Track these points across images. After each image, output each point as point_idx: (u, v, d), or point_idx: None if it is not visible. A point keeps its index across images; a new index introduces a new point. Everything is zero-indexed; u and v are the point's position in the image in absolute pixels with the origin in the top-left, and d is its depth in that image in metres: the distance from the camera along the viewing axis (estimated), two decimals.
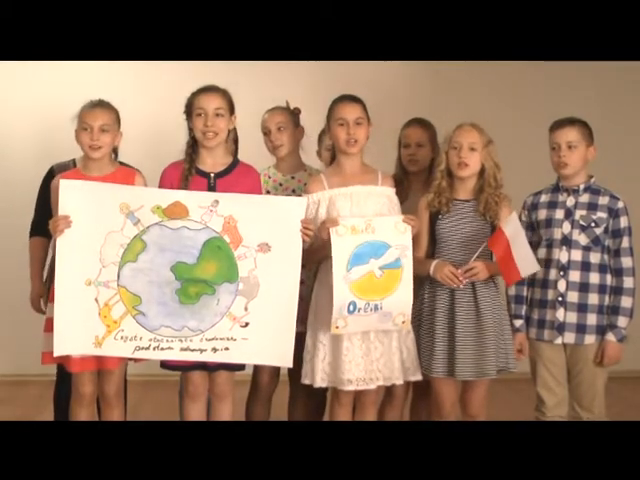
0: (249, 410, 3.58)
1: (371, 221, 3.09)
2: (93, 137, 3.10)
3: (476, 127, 3.23)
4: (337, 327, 3.07)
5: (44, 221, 3.54)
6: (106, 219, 3.02)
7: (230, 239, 3.06)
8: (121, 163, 3.29)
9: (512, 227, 3.13)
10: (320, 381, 3.18)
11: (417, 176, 3.56)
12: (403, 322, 3.12)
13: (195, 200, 3.05)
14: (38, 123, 5.31)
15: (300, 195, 3.40)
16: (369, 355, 3.16)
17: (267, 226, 3.07)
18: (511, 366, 3.25)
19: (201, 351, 3.07)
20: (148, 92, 5.32)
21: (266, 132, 3.56)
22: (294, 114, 3.60)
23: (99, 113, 3.13)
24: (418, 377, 3.24)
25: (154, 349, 3.06)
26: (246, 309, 3.08)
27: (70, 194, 3.00)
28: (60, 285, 3.01)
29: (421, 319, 3.26)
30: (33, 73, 5.20)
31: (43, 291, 3.61)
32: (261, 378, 3.52)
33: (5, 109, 5.40)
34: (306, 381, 3.22)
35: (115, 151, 3.25)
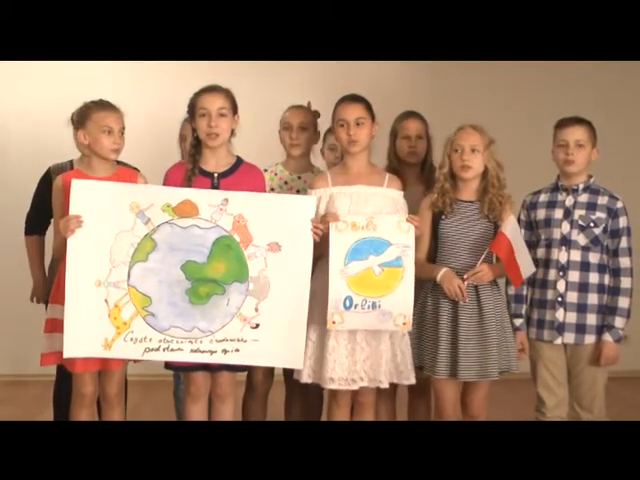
0: (245, 409, 3.59)
1: (373, 218, 3.09)
2: (116, 140, 3.10)
3: (477, 128, 3.23)
4: (333, 322, 3.06)
5: (39, 220, 3.60)
6: (117, 218, 3.00)
7: (240, 238, 3.05)
8: (119, 162, 3.28)
9: (511, 230, 3.15)
10: (307, 377, 3.19)
11: (412, 168, 3.56)
12: (404, 323, 3.10)
13: (205, 198, 3.05)
14: (36, 123, 5.30)
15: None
16: (354, 356, 3.15)
17: (277, 225, 3.06)
18: (513, 367, 3.25)
19: (211, 352, 3.06)
20: (149, 92, 5.31)
21: (286, 127, 3.55)
22: (314, 116, 3.60)
23: (118, 116, 3.13)
24: (412, 381, 3.23)
25: (164, 350, 3.05)
26: (257, 310, 3.07)
27: (81, 194, 2.99)
28: (71, 286, 2.99)
29: (424, 321, 3.25)
30: (32, 73, 5.19)
31: (44, 284, 3.62)
32: (255, 376, 3.53)
33: (3, 109, 5.39)
34: (296, 376, 3.22)
35: None
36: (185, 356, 3.07)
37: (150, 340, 3.04)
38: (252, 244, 3.05)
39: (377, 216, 3.11)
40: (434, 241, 3.27)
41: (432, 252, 3.28)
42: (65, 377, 3.30)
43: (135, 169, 3.39)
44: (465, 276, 3.15)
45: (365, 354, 3.17)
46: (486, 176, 3.23)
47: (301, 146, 3.54)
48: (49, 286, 3.35)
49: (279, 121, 3.59)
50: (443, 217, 3.25)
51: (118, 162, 3.26)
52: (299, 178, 3.55)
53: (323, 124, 3.60)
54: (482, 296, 3.20)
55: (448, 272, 3.18)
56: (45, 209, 3.32)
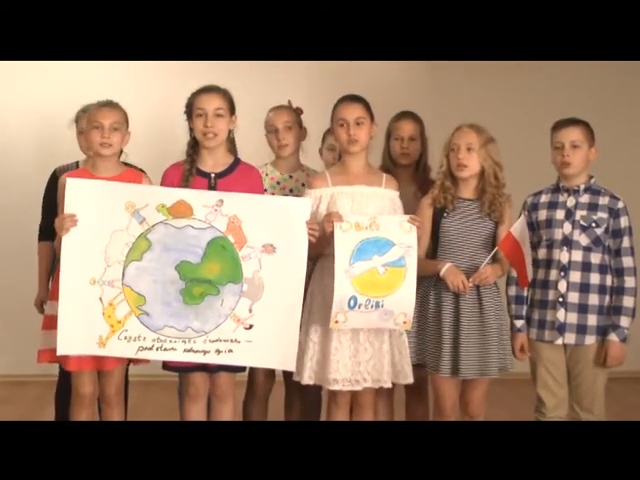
0: (246, 410, 3.59)
1: (375, 219, 3.09)
2: (104, 134, 3.10)
3: (474, 127, 3.23)
4: (337, 322, 3.06)
5: (51, 224, 3.55)
6: (112, 218, 3.01)
7: (234, 239, 3.05)
8: (126, 164, 3.28)
9: (520, 230, 3.18)
10: (307, 379, 3.18)
11: (405, 169, 3.55)
12: (404, 322, 3.11)
13: (200, 199, 3.05)
14: (39, 124, 5.30)
15: (297, 195, 3.41)
16: (357, 356, 3.15)
17: (272, 227, 3.06)
18: (509, 365, 3.28)
19: (204, 352, 3.06)
20: (148, 92, 5.31)
21: (271, 130, 3.55)
22: (297, 114, 3.60)
23: (110, 112, 3.14)
24: (410, 380, 3.24)
25: (157, 349, 3.05)
26: (250, 311, 3.07)
27: (76, 192, 2.99)
28: (65, 284, 3.00)
29: (426, 318, 3.26)
30: (34, 73, 5.19)
31: (46, 296, 3.61)
32: (257, 378, 3.53)
33: (6, 110, 5.39)
34: (296, 378, 3.21)
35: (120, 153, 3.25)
36: (178, 356, 3.07)
37: (144, 339, 3.04)
38: (246, 245, 3.05)
39: (379, 216, 3.12)
40: (434, 239, 3.28)
41: (432, 250, 3.28)
42: (67, 377, 3.30)
43: (141, 170, 3.37)
44: (470, 279, 3.16)
45: (368, 354, 3.17)
46: (484, 175, 3.24)
47: (290, 146, 3.53)
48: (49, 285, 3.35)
49: (264, 124, 3.58)
50: (445, 215, 3.25)
51: (125, 164, 3.25)
52: (290, 177, 3.54)
53: (322, 124, 3.60)
54: (482, 296, 3.22)
55: (452, 267, 3.19)
56: (54, 212, 3.31)
